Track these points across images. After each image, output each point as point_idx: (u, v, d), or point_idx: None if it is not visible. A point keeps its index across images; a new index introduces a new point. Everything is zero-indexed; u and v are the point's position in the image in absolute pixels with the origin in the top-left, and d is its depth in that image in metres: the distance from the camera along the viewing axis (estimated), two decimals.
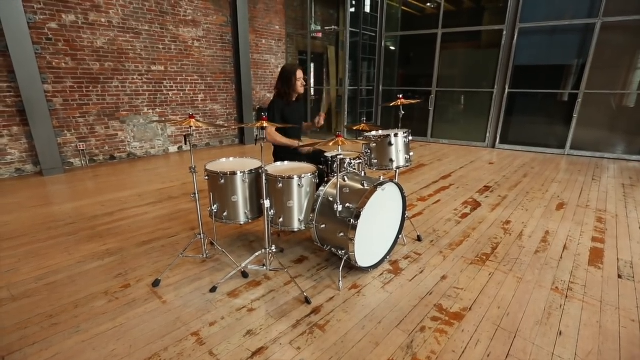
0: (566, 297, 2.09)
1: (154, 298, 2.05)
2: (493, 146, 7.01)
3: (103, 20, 5.02)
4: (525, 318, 1.90)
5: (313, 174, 2.26)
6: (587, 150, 6.20)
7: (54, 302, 2.00)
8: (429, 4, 7.56)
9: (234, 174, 2.18)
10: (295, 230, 2.33)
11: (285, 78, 2.82)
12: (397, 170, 2.73)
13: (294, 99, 2.90)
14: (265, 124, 1.92)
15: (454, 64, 7.33)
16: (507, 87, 6.59)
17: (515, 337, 1.76)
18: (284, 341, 1.71)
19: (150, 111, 5.84)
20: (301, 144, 2.76)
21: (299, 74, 2.84)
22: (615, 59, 5.73)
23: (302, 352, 1.65)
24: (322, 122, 2.89)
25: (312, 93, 8.66)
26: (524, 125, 6.76)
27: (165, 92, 5.96)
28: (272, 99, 2.95)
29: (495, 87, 6.70)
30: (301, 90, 2.90)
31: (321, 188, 2.30)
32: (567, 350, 1.67)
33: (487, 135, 7.02)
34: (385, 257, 2.46)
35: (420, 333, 1.78)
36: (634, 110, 5.80)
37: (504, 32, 6.40)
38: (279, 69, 8.24)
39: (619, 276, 2.32)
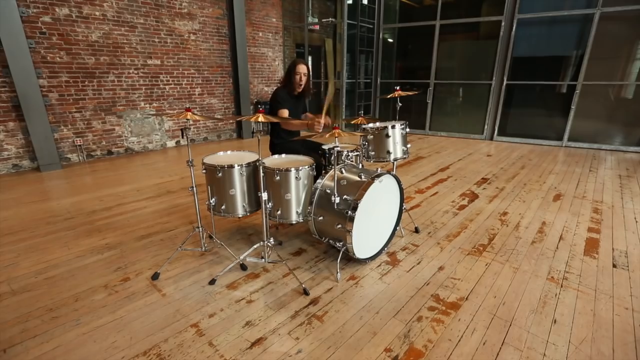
0: (561, 286, 2.12)
1: (153, 291, 2.06)
2: (491, 138, 7.02)
3: (97, 13, 4.96)
4: (521, 307, 1.92)
5: (310, 166, 2.27)
6: (584, 141, 6.21)
7: (54, 296, 2.02)
8: None
9: (231, 167, 2.18)
10: (293, 222, 2.35)
11: (287, 70, 2.78)
12: (395, 162, 2.73)
13: (296, 93, 2.81)
14: (261, 117, 1.92)
15: (452, 56, 7.29)
16: (505, 78, 6.57)
17: (510, 325, 1.78)
18: (283, 332, 1.73)
19: (147, 106, 5.81)
20: (311, 124, 2.46)
21: (298, 68, 2.70)
22: (613, 49, 5.71)
23: (301, 342, 1.67)
24: (317, 129, 2.39)
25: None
26: (522, 117, 6.76)
27: (161, 86, 5.92)
28: (276, 89, 2.84)
29: (494, 79, 6.68)
30: (299, 89, 2.76)
31: (318, 180, 2.30)
32: (561, 338, 1.69)
33: (485, 127, 7.02)
34: (382, 248, 2.48)
35: (417, 322, 1.81)
36: (631, 101, 5.80)
37: (503, 23, 6.36)
38: (276, 62, 8.20)
39: (614, 265, 2.35)
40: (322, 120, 2.40)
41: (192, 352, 1.60)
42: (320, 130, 2.37)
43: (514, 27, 6.26)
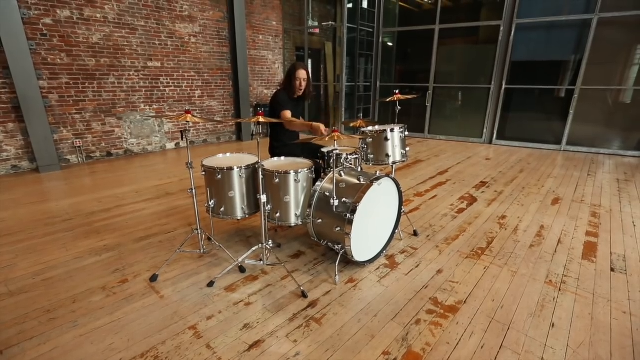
0: (559, 290, 2.12)
1: (151, 293, 2.06)
2: (490, 142, 7.04)
3: (98, 15, 4.98)
4: (519, 310, 1.93)
5: (309, 169, 2.27)
6: (583, 145, 6.24)
7: (51, 298, 2.01)
8: (426, 0, 7.54)
9: (230, 169, 2.18)
10: (292, 225, 2.35)
11: (287, 75, 2.79)
12: (394, 165, 2.74)
13: (296, 96, 2.82)
14: (261, 119, 1.93)
15: (451, 60, 7.33)
16: (504, 83, 6.60)
17: (508, 329, 1.78)
18: (281, 334, 1.73)
19: (147, 107, 5.82)
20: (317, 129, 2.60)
21: (298, 73, 2.71)
22: (611, 54, 5.75)
23: (299, 345, 1.66)
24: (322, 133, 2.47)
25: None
26: (521, 121, 6.79)
27: (162, 88, 5.94)
28: (276, 91, 2.85)
29: (493, 83, 6.72)
30: (299, 92, 2.77)
31: (318, 183, 2.31)
32: (559, 342, 1.69)
33: (484, 131, 7.05)
34: (381, 251, 2.48)
35: (415, 326, 1.80)
36: (629, 106, 5.83)
37: (501, 28, 6.40)
38: (276, 65, 8.24)
39: (612, 269, 2.36)
40: (325, 130, 2.46)
41: (190, 354, 1.60)
42: (323, 134, 2.46)
43: (512, 32, 6.30)
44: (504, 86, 6.62)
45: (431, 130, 7.69)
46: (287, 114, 2.67)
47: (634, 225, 3.08)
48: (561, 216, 3.27)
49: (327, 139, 2.03)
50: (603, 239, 2.80)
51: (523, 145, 6.71)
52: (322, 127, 2.49)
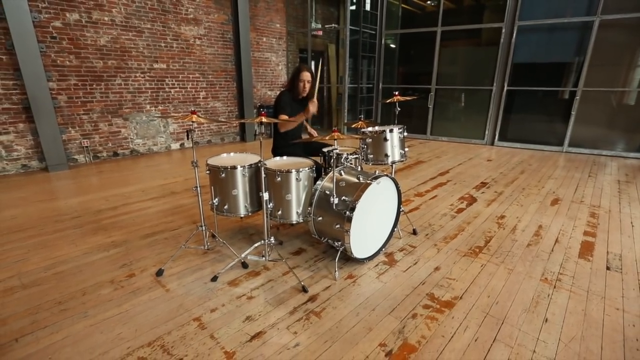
0: (554, 287, 2.17)
1: (157, 286, 2.14)
2: (492, 143, 7.07)
3: (106, 18, 5.10)
4: (514, 306, 1.98)
5: (310, 168, 2.34)
6: (585, 147, 6.25)
7: (62, 290, 2.10)
8: (429, 2, 7.60)
9: (234, 168, 2.26)
10: (294, 222, 2.42)
11: (291, 76, 2.87)
12: (393, 165, 2.80)
13: (300, 97, 2.89)
14: (264, 119, 2.00)
15: (453, 62, 7.37)
16: (505, 84, 6.63)
17: (502, 323, 1.84)
18: (282, 326, 1.80)
19: (153, 108, 5.93)
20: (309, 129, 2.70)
21: (302, 75, 2.78)
22: (613, 56, 5.76)
23: (299, 336, 1.73)
24: (312, 110, 2.60)
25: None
26: (523, 122, 6.81)
27: (167, 89, 6.05)
28: (280, 92, 2.94)
29: (494, 84, 6.75)
30: (303, 94, 2.85)
31: (318, 182, 2.37)
32: (551, 336, 1.74)
33: (486, 132, 7.08)
34: (380, 249, 2.54)
35: (411, 319, 1.86)
36: (632, 107, 5.84)
37: (503, 30, 6.44)
38: (279, 67, 8.31)
39: (607, 268, 2.40)
40: (314, 104, 2.57)
41: (195, 344, 1.67)
42: (314, 111, 2.63)
43: (514, 34, 6.33)
44: (505, 88, 6.65)
45: (433, 131, 7.73)
46: (282, 117, 2.74)
47: (632, 226, 3.11)
48: (560, 216, 3.31)
49: (327, 138, 2.10)
50: (600, 239, 2.84)
51: (525, 146, 6.73)
52: (310, 106, 2.59)
